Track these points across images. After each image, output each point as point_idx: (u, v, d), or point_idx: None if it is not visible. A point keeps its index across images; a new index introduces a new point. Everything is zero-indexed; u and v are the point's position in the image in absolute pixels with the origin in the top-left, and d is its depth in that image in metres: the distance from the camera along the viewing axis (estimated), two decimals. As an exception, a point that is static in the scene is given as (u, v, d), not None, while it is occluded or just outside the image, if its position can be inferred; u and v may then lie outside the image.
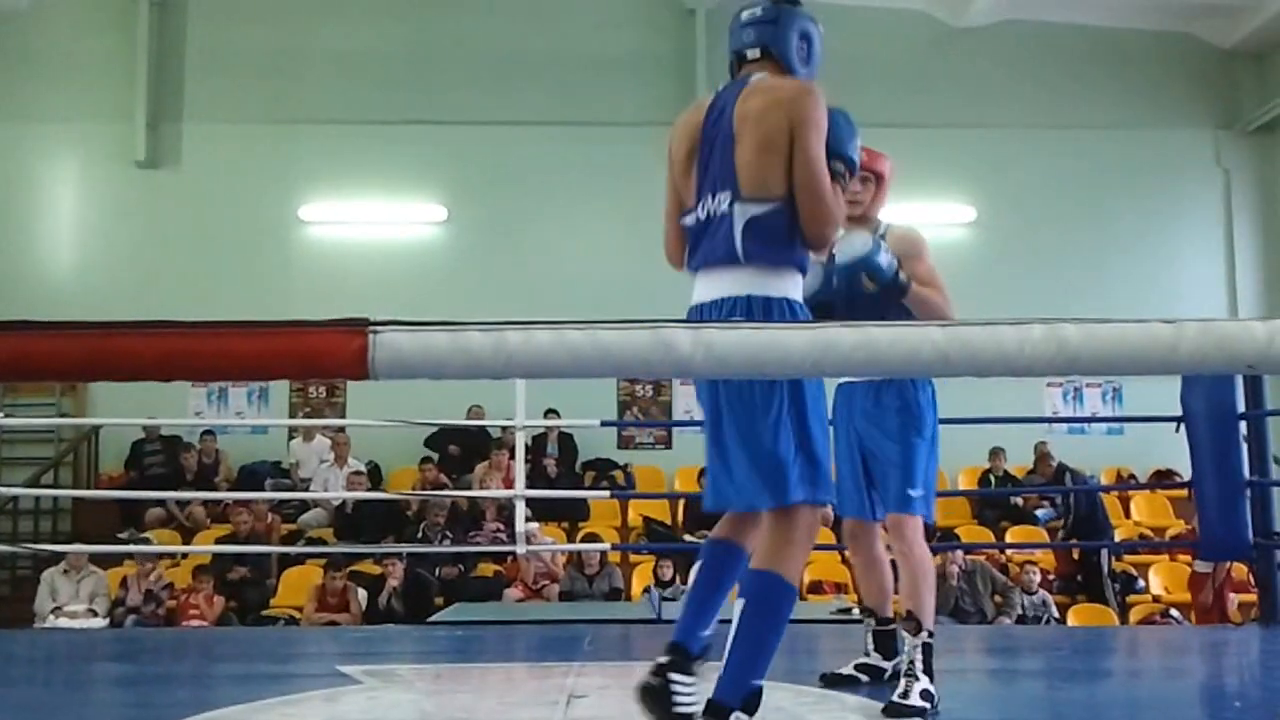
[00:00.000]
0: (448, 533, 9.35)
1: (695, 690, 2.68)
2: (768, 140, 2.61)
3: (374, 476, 11.02)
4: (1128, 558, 10.04)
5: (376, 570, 9.05)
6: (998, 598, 9.03)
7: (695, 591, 2.81)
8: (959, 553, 9.13)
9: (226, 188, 12.04)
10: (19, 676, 4.60)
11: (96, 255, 12.10)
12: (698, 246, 2.69)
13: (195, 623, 8.39)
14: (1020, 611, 8.90)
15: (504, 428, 9.70)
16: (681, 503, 10.77)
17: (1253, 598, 6.46)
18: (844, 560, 10.02)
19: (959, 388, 4.40)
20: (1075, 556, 9.83)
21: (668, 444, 12.04)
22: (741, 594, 2.62)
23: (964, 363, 1.58)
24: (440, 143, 12.10)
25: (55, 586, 8.77)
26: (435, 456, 11.01)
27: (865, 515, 3.69)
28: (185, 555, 9.46)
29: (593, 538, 9.50)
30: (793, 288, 2.69)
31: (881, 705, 3.30)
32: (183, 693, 4.13)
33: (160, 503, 10.44)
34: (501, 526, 9.44)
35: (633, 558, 9.72)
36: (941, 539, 10.21)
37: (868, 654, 3.83)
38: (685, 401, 12.00)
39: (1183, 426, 6.03)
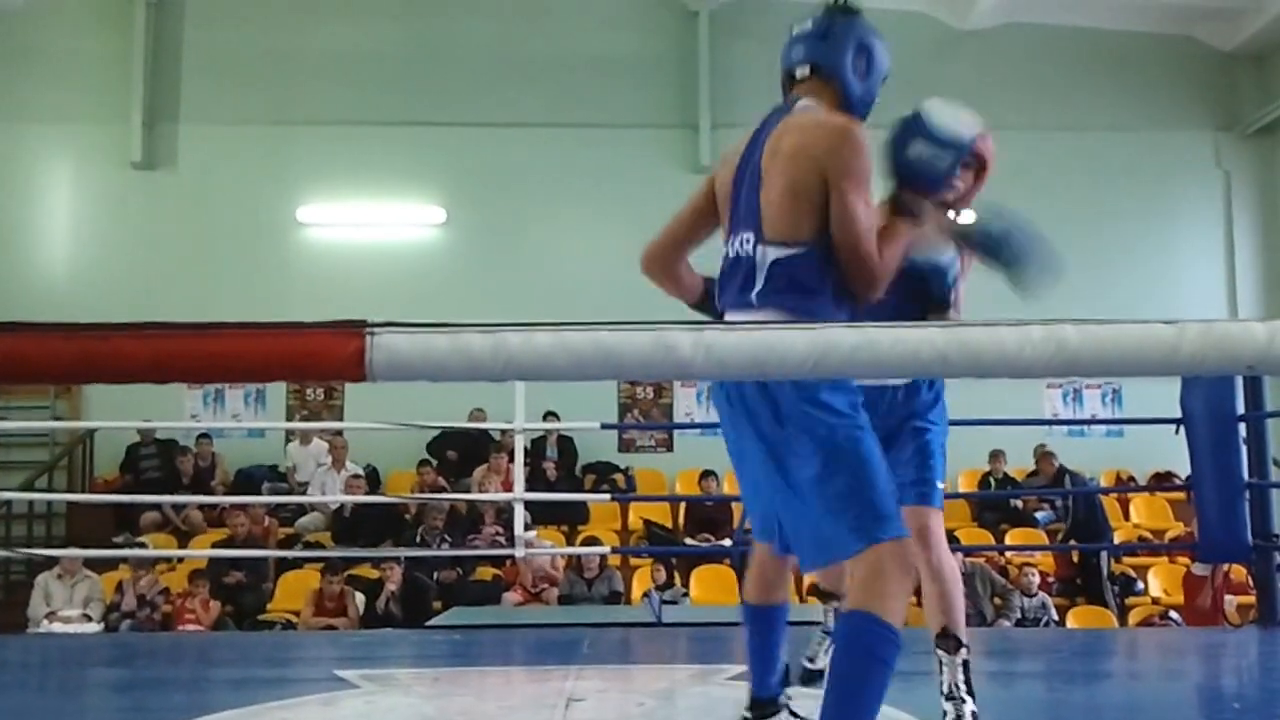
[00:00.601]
0: (446, 536, 9.32)
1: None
2: (796, 186, 2.39)
3: (372, 480, 10.98)
4: (1127, 560, 10.03)
5: (374, 574, 9.02)
6: (997, 600, 9.02)
7: (753, 644, 2.86)
8: (959, 555, 9.12)
9: (223, 189, 12.00)
10: (12, 682, 4.57)
11: (92, 258, 12.06)
12: (725, 287, 2.52)
13: (191, 627, 8.36)
14: (1020, 614, 8.88)
15: (503, 431, 9.67)
16: (682, 506, 10.76)
17: (1251, 599, 6.44)
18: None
19: (959, 389, 4.40)
20: (1075, 559, 9.82)
21: (669, 447, 12.01)
22: (838, 639, 2.35)
23: (964, 364, 1.57)
24: (439, 144, 12.07)
25: (49, 591, 8.73)
26: (434, 461, 10.99)
27: None
28: (181, 560, 9.42)
29: (592, 541, 9.47)
30: None
31: (899, 708, 3.29)
32: (178, 698, 4.11)
33: (156, 507, 10.40)
34: (500, 530, 9.41)
35: (633, 561, 9.69)
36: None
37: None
38: (686, 404, 11.99)
39: (1182, 428, 6.03)
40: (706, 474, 10.59)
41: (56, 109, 12.03)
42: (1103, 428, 11.76)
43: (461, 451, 11.05)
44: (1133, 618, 9.30)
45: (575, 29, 12.34)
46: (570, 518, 10.43)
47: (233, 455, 11.49)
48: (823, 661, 3.75)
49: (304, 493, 10.55)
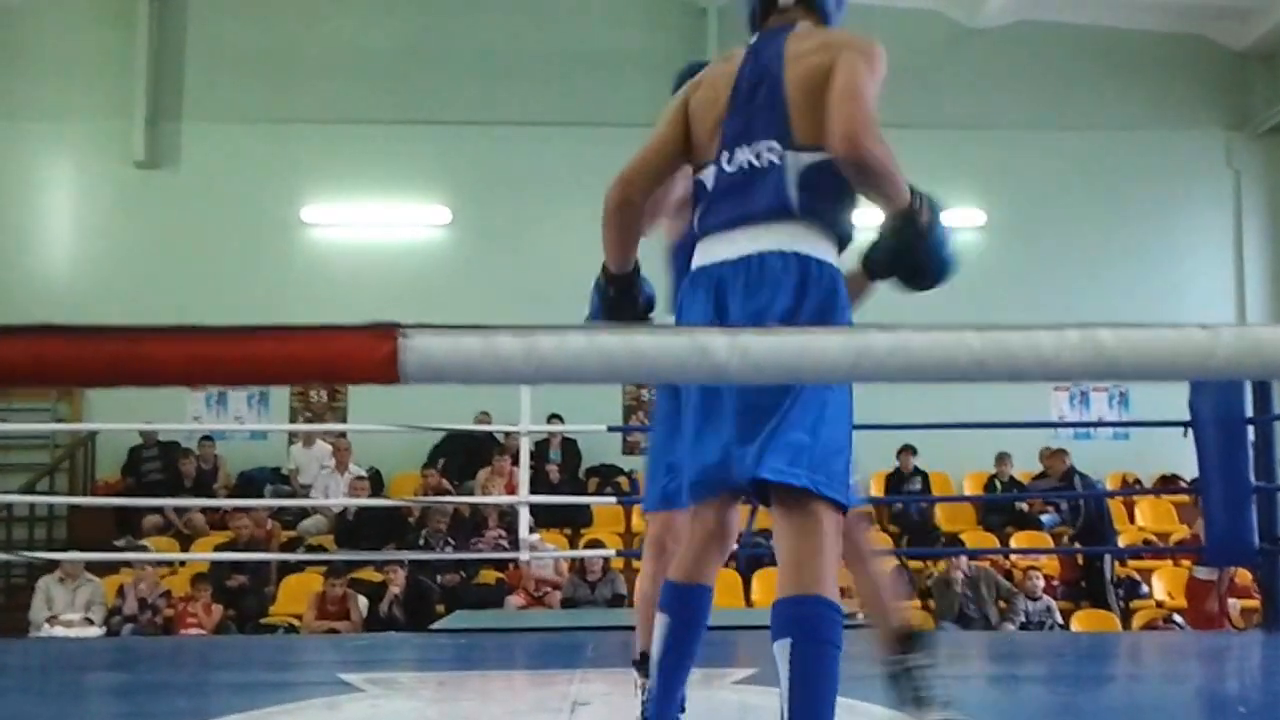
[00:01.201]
0: (449, 539, 9.30)
1: None
2: (824, 79, 2.24)
3: (375, 482, 10.95)
4: (1131, 563, 10.00)
5: (378, 578, 9.00)
6: (1002, 604, 8.99)
7: (669, 659, 2.48)
8: (963, 558, 9.09)
9: (227, 188, 11.96)
10: (13, 686, 4.55)
11: (94, 256, 12.03)
12: (722, 203, 2.32)
13: (193, 631, 8.34)
14: (1024, 618, 8.86)
15: (507, 433, 9.63)
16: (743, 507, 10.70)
17: (1255, 603, 6.43)
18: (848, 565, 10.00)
19: (966, 391, 4.38)
20: (1080, 562, 9.79)
21: (674, 449, 11.97)
22: (787, 633, 2.07)
23: (1000, 367, 1.54)
24: (445, 143, 12.03)
25: (51, 595, 8.70)
26: (441, 462, 10.95)
27: None
28: (183, 563, 9.40)
29: (596, 544, 9.45)
30: (837, 257, 2.34)
31: (892, 712, 3.26)
32: (181, 702, 4.09)
33: (158, 510, 10.38)
34: (504, 533, 9.39)
35: (636, 564, 9.65)
36: (947, 544, 10.21)
37: None
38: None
39: (1190, 431, 6.01)
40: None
41: (58, 106, 12.00)
42: (1109, 430, 11.72)
43: (465, 454, 11.02)
44: (1136, 621, 9.28)
45: (582, 26, 12.30)
46: (573, 521, 10.41)
47: (235, 457, 11.47)
48: None
49: (307, 496, 10.53)
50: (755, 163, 2.29)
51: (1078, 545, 9.90)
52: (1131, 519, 11.08)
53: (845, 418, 2.24)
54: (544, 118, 11.97)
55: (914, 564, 9.97)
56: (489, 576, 9.45)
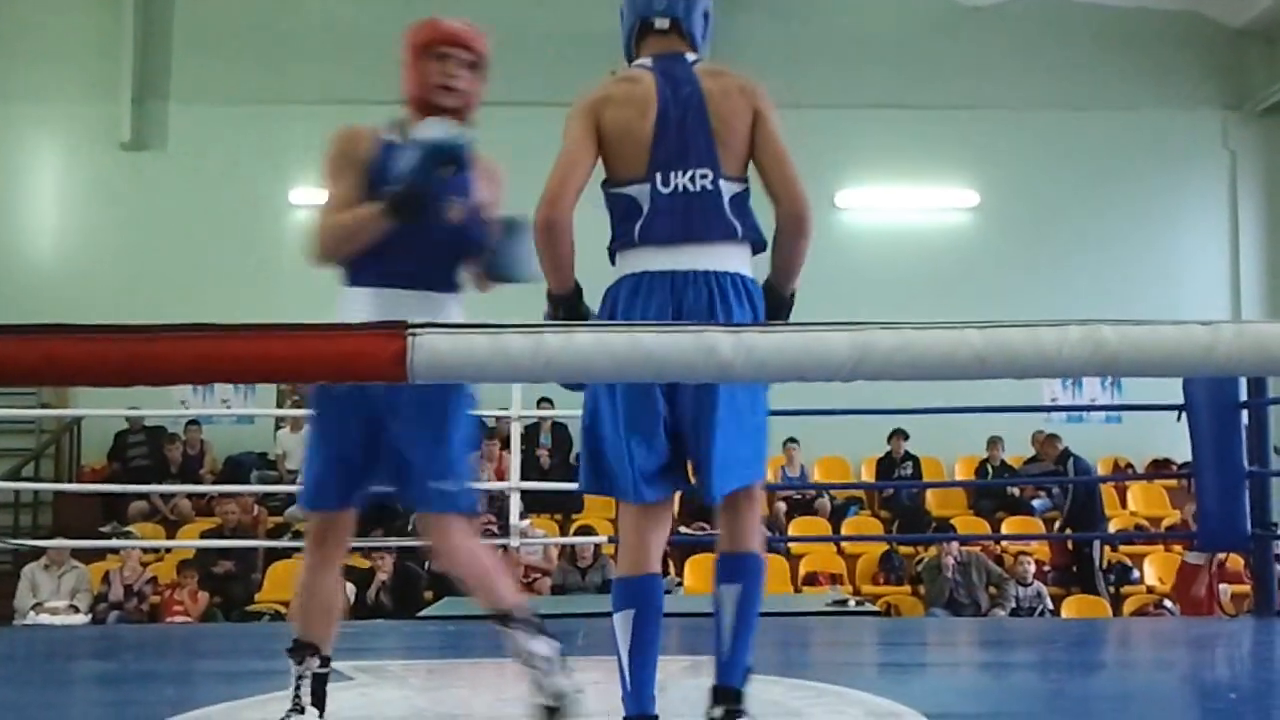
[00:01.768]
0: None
1: None
2: (740, 124, 2.63)
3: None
4: (1123, 548, 10.00)
5: (365, 564, 8.96)
6: (992, 589, 8.99)
7: (639, 653, 2.72)
8: (954, 544, 9.08)
9: (215, 171, 11.86)
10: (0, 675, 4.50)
11: (79, 240, 11.95)
12: (663, 220, 2.59)
13: (179, 619, 8.29)
14: (1015, 604, 8.85)
15: (498, 418, 9.55)
16: (678, 494, 10.66)
17: (1246, 589, 6.42)
18: (839, 551, 9.98)
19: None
20: (1070, 547, 9.80)
21: (666, 434, 11.94)
22: (737, 580, 2.68)
23: (1002, 364, 1.60)
24: (435, 124, 11.93)
25: (36, 582, 8.65)
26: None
27: None
28: (169, 550, 9.34)
29: (586, 530, 9.39)
30: None
31: (896, 699, 3.26)
32: (169, 690, 4.05)
33: (144, 496, 10.31)
34: (493, 519, 9.33)
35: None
36: (937, 530, 10.20)
37: None
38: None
39: (1184, 415, 5.99)
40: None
41: (43, 88, 11.88)
42: (1101, 414, 11.71)
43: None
44: (1128, 607, 9.29)
45: (577, 4, 12.19)
46: (564, 506, 10.36)
47: (221, 442, 11.40)
48: None
49: (294, 481, 10.45)
50: (691, 187, 2.58)
51: (1069, 531, 9.91)
52: (1123, 503, 11.08)
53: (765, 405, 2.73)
54: (535, 98, 11.83)
55: (904, 549, 9.97)
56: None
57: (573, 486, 10.63)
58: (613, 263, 2.71)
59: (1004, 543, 9.81)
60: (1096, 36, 12.38)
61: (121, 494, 10.18)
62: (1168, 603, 8.90)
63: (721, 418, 2.56)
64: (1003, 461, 11.07)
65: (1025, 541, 9.79)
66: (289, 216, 12.05)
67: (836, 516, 10.50)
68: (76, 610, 8.50)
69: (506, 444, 8.23)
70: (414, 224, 2.80)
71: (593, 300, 2.75)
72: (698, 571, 9.27)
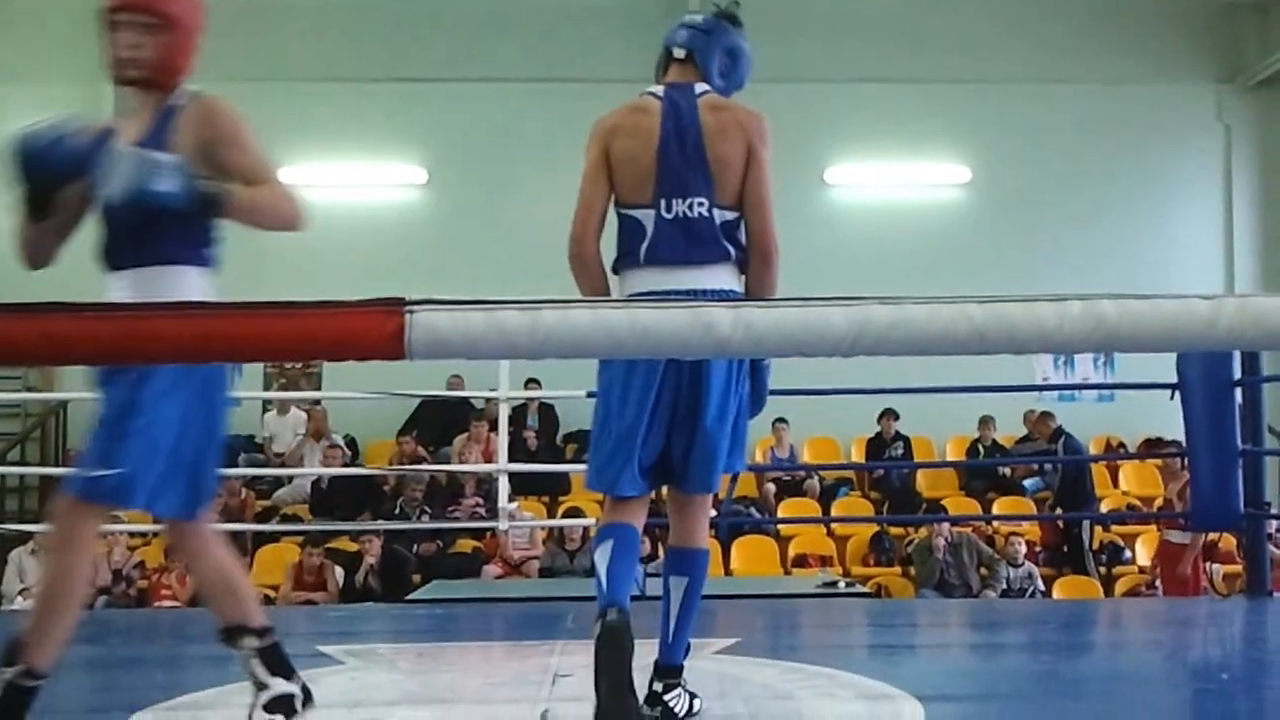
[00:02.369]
0: (426, 508, 9.21)
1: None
2: (735, 156, 2.89)
3: (350, 450, 10.83)
4: (1115, 528, 9.99)
5: (353, 547, 8.93)
6: (983, 570, 8.99)
7: (625, 565, 2.96)
8: (945, 525, 9.07)
9: (197, 151, 11.75)
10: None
11: (62, 226, 11.83)
12: (667, 243, 2.88)
13: (168, 604, 8.25)
14: (1005, 584, 8.86)
15: (486, 399, 9.52)
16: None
17: (1238, 569, 6.41)
18: (829, 533, 9.97)
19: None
20: (1060, 526, 9.80)
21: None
22: (686, 573, 2.98)
23: (1001, 339, 1.59)
24: (421, 101, 11.85)
25: (23, 567, 8.61)
26: (414, 433, 10.83)
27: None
28: (156, 534, 9.29)
29: (574, 512, 9.35)
30: None
31: (874, 681, 3.28)
32: (159, 675, 4.04)
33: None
34: (481, 501, 9.31)
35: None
36: (928, 510, 10.19)
37: None
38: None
39: (1178, 394, 5.97)
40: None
41: (23, 69, 11.74)
42: (1094, 392, 11.68)
43: (442, 421, 10.89)
44: (1119, 587, 9.29)
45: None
46: (552, 488, 10.32)
47: (208, 425, 11.30)
48: None
49: (281, 464, 10.41)
50: (689, 213, 2.88)
51: (1061, 508, 9.91)
52: (1115, 483, 11.07)
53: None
54: (522, 74, 11.79)
55: (895, 531, 9.96)
56: (465, 545, 9.38)
57: (561, 468, 10.61)
58: (615, 272, 2.98)
59: (995, 523, 9.80)
60: (1089, 9, 12.28)
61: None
62: (1159, 583, 8.90)
63: (709, 426, 2.87)
64: (994, 441, 11.04)
65: (1016, 523, 9.77)
66: (273, 195, 11.95)
67: (826, 497, 10.48)
68: (63, 595, 8.45)
69: (495, 426, 8.19)
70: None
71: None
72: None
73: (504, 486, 6.59)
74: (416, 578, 8.63)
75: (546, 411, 11.20)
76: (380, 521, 8.96)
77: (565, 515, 9.32)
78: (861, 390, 7.44)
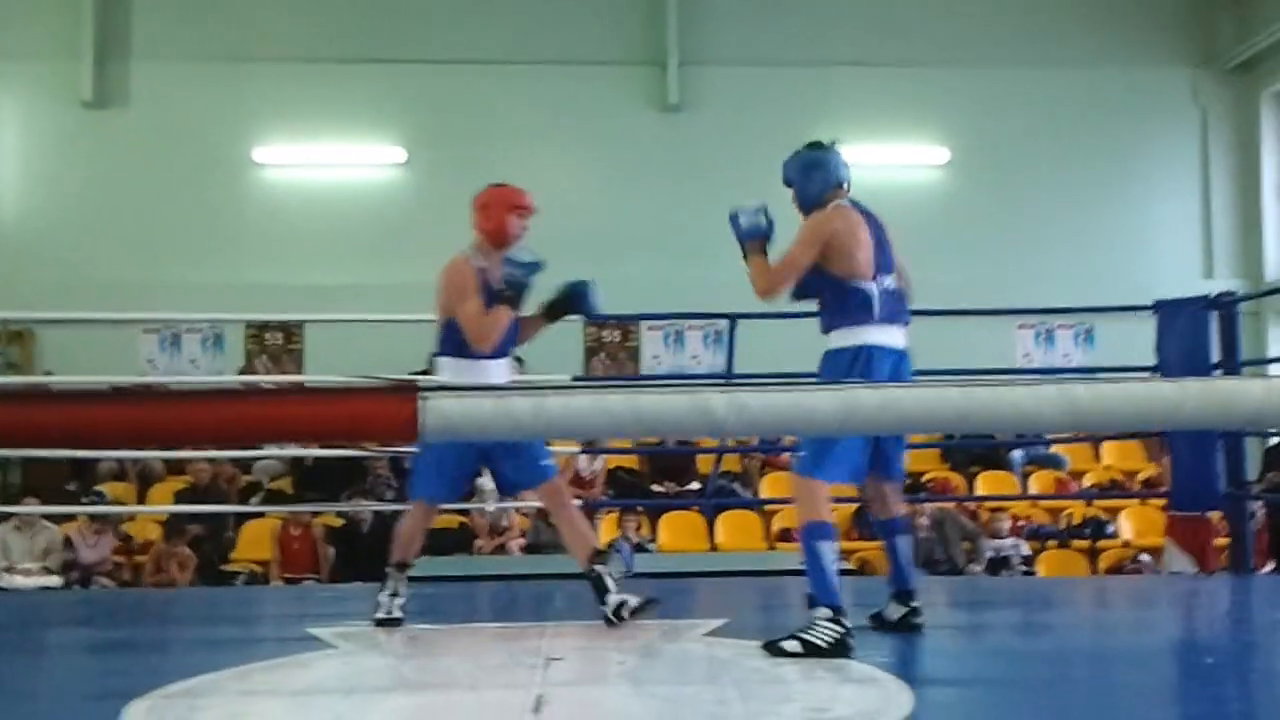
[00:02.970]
0: (391, 484, 9.17)
1: None
2: None
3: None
4: (1098, 502, 10.03)
5: (339, 523, 8.93)
6: (967, 544, 9.01)
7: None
8: (926, 504, 9.08)
9: (177, 129, 11.67)
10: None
11: (40, 200, 11.77)
12: (888, 308, 3.85)
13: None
14: (992, 553, 8.90)
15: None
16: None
17: (1222, 543, 6.46)
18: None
19: (926, 328, 4.39)
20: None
21: (636, 394, 11.90)
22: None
23: (981, 420, 1.80)
24: (400, 82, 11.80)
25: (8, 544, 8.56)
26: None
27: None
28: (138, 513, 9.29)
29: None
30: None
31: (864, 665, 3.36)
32: (153, 659, 4.04)
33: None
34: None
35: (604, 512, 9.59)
36: (909, 489, 10.20)
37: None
38: (653, 347, 11.86)
39: (1156, 375, 6.01)
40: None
41: (3, 46, 11.64)
42: (1074, 373, 11.69)
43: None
44: (1104, 562, 9.33)
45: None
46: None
47: (191, 402, 11.26)
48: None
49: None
50: (892, 286, 3.91)
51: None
52: (1097, 457, 11.13)
53: None
54: (501, 56, 11.76)
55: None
56: (451, 521, 9.36)
57: (546, 450, 10.50)
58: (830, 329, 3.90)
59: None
60: (1065, -8, 12.33)
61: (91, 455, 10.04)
62: (1144, 556, 8.96)
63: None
64: (976, 416, 11.06)
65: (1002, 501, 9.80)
66: (252, 174, 11.93)
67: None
68: (50, 571, 8.44)
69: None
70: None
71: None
72: (672, 530, 9.31)
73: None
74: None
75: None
76: (365, 501, 8.92)
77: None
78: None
